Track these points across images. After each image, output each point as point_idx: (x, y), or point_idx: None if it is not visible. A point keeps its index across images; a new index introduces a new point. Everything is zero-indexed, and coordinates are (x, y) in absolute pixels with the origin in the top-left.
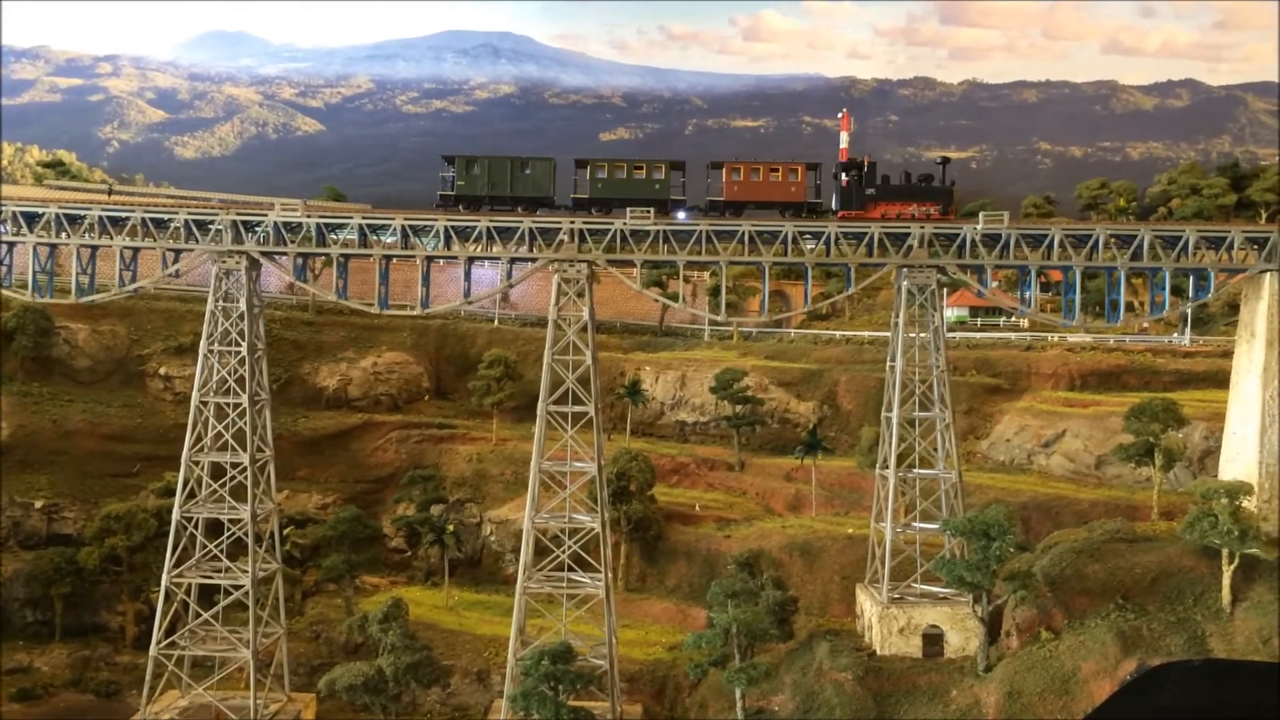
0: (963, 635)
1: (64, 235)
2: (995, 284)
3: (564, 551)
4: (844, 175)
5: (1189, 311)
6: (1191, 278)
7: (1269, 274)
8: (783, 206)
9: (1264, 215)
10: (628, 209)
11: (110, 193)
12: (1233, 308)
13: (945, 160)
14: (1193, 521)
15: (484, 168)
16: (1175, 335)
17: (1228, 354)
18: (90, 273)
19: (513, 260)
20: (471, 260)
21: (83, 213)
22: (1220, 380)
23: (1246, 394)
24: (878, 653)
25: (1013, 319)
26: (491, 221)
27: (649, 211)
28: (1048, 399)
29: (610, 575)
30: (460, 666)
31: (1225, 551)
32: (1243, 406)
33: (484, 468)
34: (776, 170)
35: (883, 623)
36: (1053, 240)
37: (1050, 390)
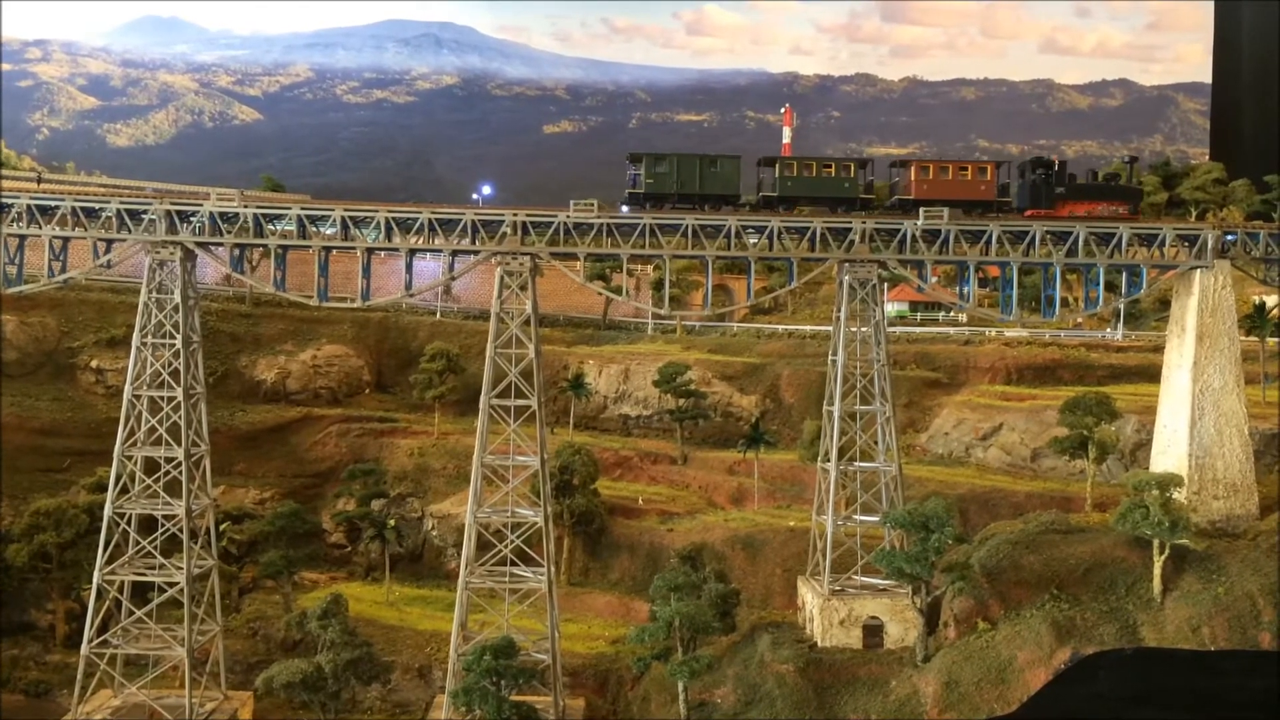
0: (902, 626)
1: None
2: (935, 279)
3: (506, 546)
4: (1032, 174)
5: (1122, 307)
6: (1124, 274)
7: (1199, 271)
8: (970, 204)
9: (1194, 213)
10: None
11: (39, 180)
12: (1164, 304)
13: (1133, 159)
14: (1125, 513)
15: (671, 165)
16: (1108, 330)
17: (1159, 349)
18: (18, 263)
19: (455, 253)
20: (413, 253)
21: (10, 201)
22: (1152, 374)
23: (1177, 388)
24: (819, 644)
25: (952, 314)
26: (433, 214)
27: (592, 204)
28: (985, 393)
29: (553, 569)
30: (401, 663)
31: (1156, 542)
32: (1173, 400)
33: (426, 462)
34: (965, 169)
35: (824, 614)
36: (991, 236)
37: (988, 384)
